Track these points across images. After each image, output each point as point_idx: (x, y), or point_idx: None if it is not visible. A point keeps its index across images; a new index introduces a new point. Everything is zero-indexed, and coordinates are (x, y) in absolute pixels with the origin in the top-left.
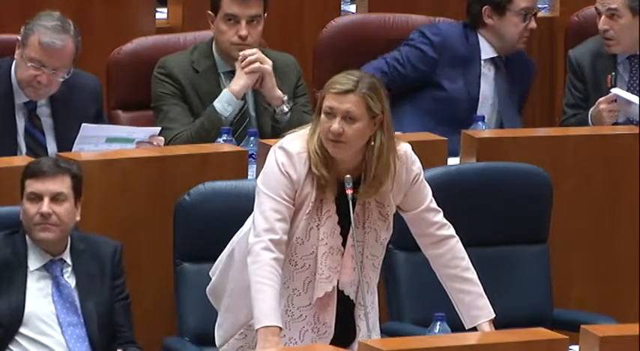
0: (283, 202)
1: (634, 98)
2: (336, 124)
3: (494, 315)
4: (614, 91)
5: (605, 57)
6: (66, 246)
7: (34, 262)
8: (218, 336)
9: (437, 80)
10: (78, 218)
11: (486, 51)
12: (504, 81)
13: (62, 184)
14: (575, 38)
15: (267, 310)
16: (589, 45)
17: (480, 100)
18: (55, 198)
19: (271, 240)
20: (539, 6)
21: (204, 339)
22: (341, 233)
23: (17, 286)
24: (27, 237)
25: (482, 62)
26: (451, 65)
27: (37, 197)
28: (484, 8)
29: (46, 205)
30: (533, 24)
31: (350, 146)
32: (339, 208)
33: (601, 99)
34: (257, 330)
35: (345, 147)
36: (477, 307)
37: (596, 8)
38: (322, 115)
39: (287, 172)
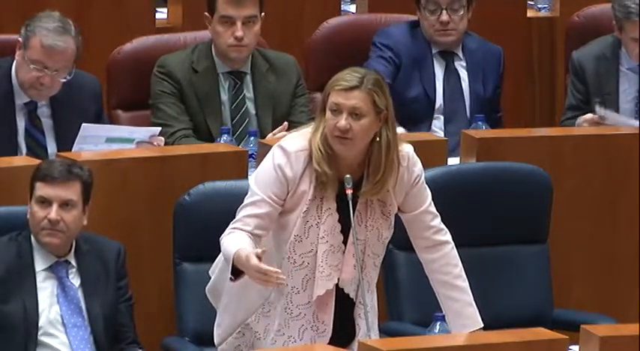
0: (268, 202)
1: (621, 120)
2: (343, 121)
3: (481, 325)
4: (601, 113)
5: (608, 60)
6: (71, 248)
7: (40, 263)
8: (217, 335)
9: (397, 88)
10: (85, 223)
11: (435, 46)
12: (459, 75)
13: (72, 191)
14: (575, 38)
15: (236, 245)
16: (593, 47)
17: (438, 99)
18: (65, 204)
19: (241, 229)
20: (539, 6)
21: (204, 339)
22: (342, 231)
23: (28, 288)
24: (32, 238)
25: (433, 57)
26: (406, 70)
27: (47, 202)
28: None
29: (54, 212)
30: (443, 17)
31: (356, 143)
32: (340, 206)
33: (585, 118)
34: (232, 264)
35: (352, 144)
36: (465, 316)
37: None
38: (328, 113)
39: (282, 172)
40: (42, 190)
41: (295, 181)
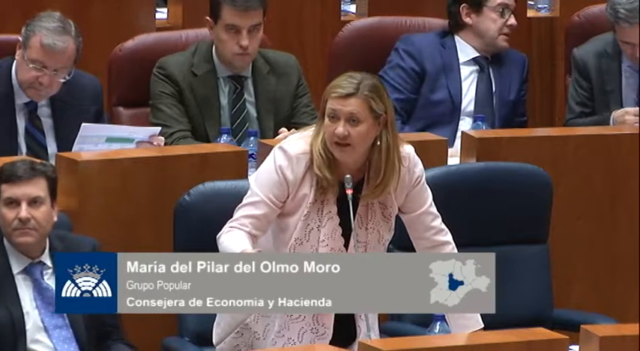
0: (268, 204)
1: None
2: (340, 128)
3: (482, 325)
4: None
5: (610, 58)
6: (44, 248)
7: (15, 267)
8: (216, 334)
9: (423, 91)
10: (55, 219)
11: (466, 53)
12: (492, 80)
13: (38, 188)
14: (575, 38)
15: (240, 245)
16: (594, 45)
17: (465, 102)
18: (33, 201)
19: (239, 229)
20: (539, 6)
21: (204, 339)
22: (342, 234)
23: (10, 295)
24: (5, 242)
25: (460, 66)
26: (433, 75)
27: (15, 202)
28: (462, 7)
29: (24, 210)
30: (513, 20)
31: (356, 149)
32: (341, 209)
33: (629, 109)
34: None
35: (351, 150)
36: (465, 316)
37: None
38: (326, 119)
39: (283, 175)
40: (8, 191)
41: (296, 184)
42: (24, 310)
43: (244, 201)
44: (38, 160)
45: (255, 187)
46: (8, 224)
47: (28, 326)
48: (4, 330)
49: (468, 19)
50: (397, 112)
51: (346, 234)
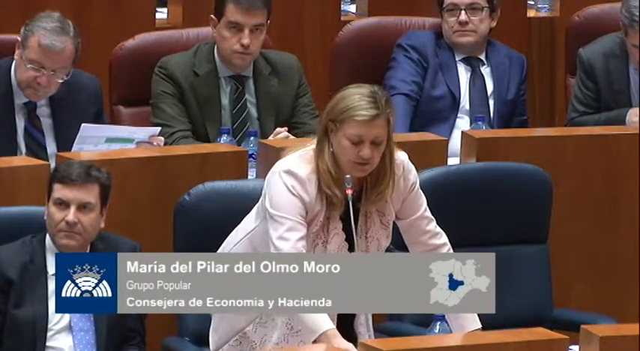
0: (300, 222)
1: None
2: (366, 150)
3: (480, 326)
4: None
5: (618, 57)
6: (86, 251)
7: (51, 267)
8: (212, 341)
9: (425, 86)
10: (102, 225)
11: (460, 52)
12: (486, 80)
13: (90, 194)
14: (575, 38)
15: (318, 316)
16: (601, 45)
17: (463, 99)
18: (82, 206)
19: None
20: (539, 6)
21: (203, 339)
22: (349, 250)
23: (39, 294)
24: (47, 240)
25: (457, 63)
26: (433, 70)
27: (64, 204)
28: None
29: (72, 214)
30: (462, 17)
31: (374, 166)
32: (345, 225)
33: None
34: (318, 337)
35: (370, 168)
36: (463, 317)
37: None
38: (346, 142)
39: (299, 195)
40: (60, 191)
41: (312, 203)
42: (51, 310)
43: (279, 230)
44: (93, 165)
45: (282, 213)
46: (55, 224)
47: (56, 326)
48: (24, 329)
49: (441, 21)
50: (412, 98)
51: (352, 250)
